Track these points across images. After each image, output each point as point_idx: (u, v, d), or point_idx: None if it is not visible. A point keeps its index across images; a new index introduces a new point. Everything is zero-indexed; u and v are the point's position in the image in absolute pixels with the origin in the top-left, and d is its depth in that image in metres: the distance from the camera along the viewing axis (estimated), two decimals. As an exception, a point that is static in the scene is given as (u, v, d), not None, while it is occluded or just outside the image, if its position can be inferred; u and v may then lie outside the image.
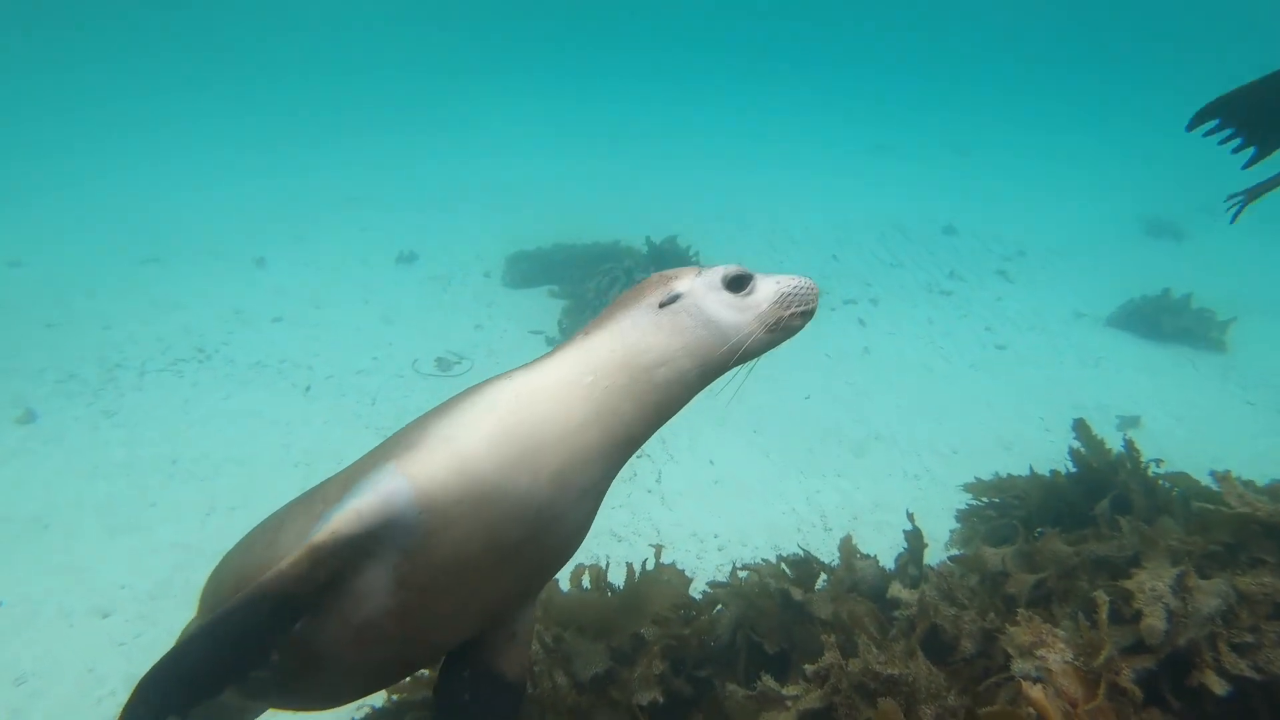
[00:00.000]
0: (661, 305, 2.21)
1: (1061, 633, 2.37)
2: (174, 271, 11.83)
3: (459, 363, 9.29)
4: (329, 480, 2.28)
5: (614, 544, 6.47)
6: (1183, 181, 20.00)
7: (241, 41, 40.44)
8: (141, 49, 35.94)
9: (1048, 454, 7.01)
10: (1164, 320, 10.76)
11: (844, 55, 51.02)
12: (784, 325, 2.27)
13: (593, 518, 2.23)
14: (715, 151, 23.76)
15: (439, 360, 9.29)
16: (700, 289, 2.21)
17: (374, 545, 1.98)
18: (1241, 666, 2.42)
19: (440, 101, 29.00)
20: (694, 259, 11.03)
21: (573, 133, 25.19)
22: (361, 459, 2.26)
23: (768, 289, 2.27)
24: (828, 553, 6.42)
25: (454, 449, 2.03)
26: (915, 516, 4.01)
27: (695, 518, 6.87)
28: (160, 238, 13.14)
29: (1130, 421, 8.29)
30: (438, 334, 10.08)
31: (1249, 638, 2.52)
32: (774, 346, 2.31)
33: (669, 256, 10.87)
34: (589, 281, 10.77)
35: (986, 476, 7.10)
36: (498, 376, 2.19)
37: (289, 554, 1.96)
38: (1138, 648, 2.42)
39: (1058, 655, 2.22)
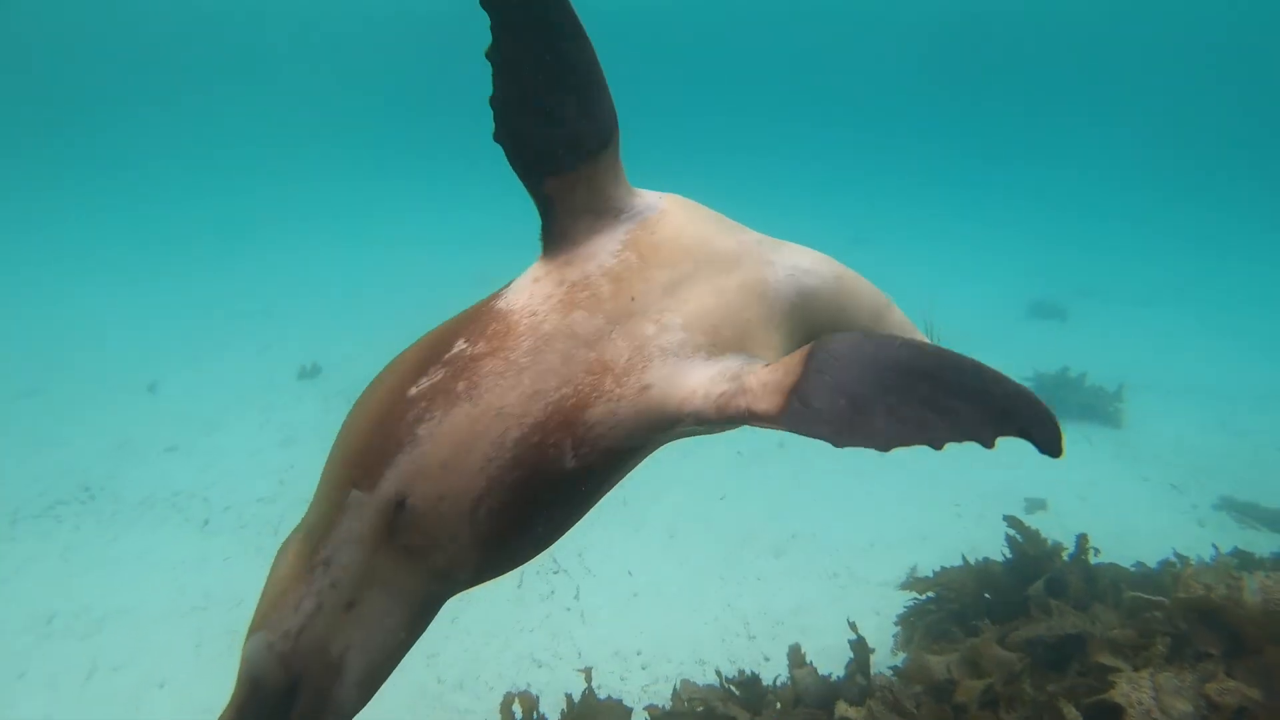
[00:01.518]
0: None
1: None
2: (55, 403, 11.14)
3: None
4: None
5: (534, 670, 6.24)
6: (1063, 264, 21.46)
7: (123, 153, 39.68)
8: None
9: (962, 542, 7.18)
10: (1067, 397, 11.24)
11: (738, 142, 53.29)
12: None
13: None
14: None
15: (345, 484, 8.95)
16: None
17: None
18: None
19: (343, 205, 28.79)
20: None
21: (476, 230, 25.34)
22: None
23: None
24: (751, 662, 6.36)
25: None
26: (857, 625, 4.01)
27: (616, 634, 6.69)
28: (41, 366, 12.42)
29: (1037, 504, 8.58)
30: (343, 456, 9.74)
31: None
32: None
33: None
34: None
35: (904, 569, 7.29)
36: None
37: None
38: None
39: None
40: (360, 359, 12.94)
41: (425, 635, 6.55)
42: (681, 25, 62.26)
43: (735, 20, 60.21)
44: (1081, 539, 4.94)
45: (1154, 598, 3.71)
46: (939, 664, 3.61)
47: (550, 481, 1.77)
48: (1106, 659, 3.20)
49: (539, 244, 2.10)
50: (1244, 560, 4.92)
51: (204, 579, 7.17)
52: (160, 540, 7.77)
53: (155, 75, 56.42)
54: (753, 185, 33.40)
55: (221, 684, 5.91)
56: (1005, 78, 63.65)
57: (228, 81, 57.06)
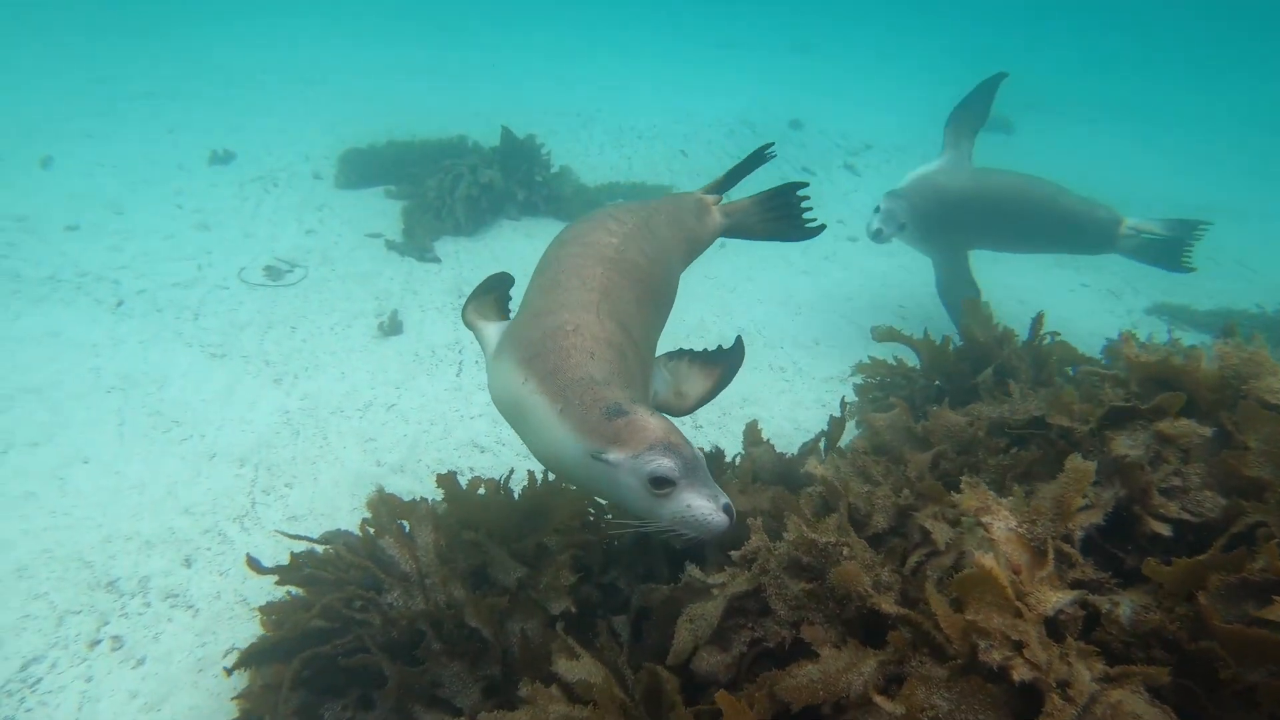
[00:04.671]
0: (594, 456, 2.49)
1: (1006, 500, 2.24)
2: (-64, 176, 10.09)
3: (290, 270, 8.45)
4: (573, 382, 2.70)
5: (477, 454, 6.10)
6: (1010, 79, 20.91)
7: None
8: None
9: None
10: (1010, 211, 11.14)
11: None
12: (671, 533, 2.44)
13: None
14: (555, 45, 22.73)
15: (268, 269, 8.41)
16: (625, 470, 2.45)
17: None
18: (1173, 509, 2.44)
19: None
20: (545, 155, 10.47)
21: (401, 18, 23.42)
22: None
23: (675, 506, 2.41)
24: (703, 446, 6.35)
25: None
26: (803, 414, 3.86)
27: (563, 420, 6.58)
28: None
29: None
30: (265, 240, 9.11)
31: (1176, 481, 2.54)
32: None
33: (517, 155, 10.24)
34: (429, 180, 10.00)
35: (849, 366, 7.23)
36: None
37: None
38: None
39: (1002, 522, 2.09)
40: (277, 147, 11.99)
41: (361, 421, 6.28)
42: None
43: None
44: (1037, 319, 4.87)
45: (1108, 371, 3.64)
46: (881, 421, 3.54)
47: None
48: (1066, 422, 3.11)
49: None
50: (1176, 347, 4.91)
51: (120, 361, 6.72)
52: (69, 321, 7.21)
53: None
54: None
55: (152, 460, 5.62)
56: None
57: None
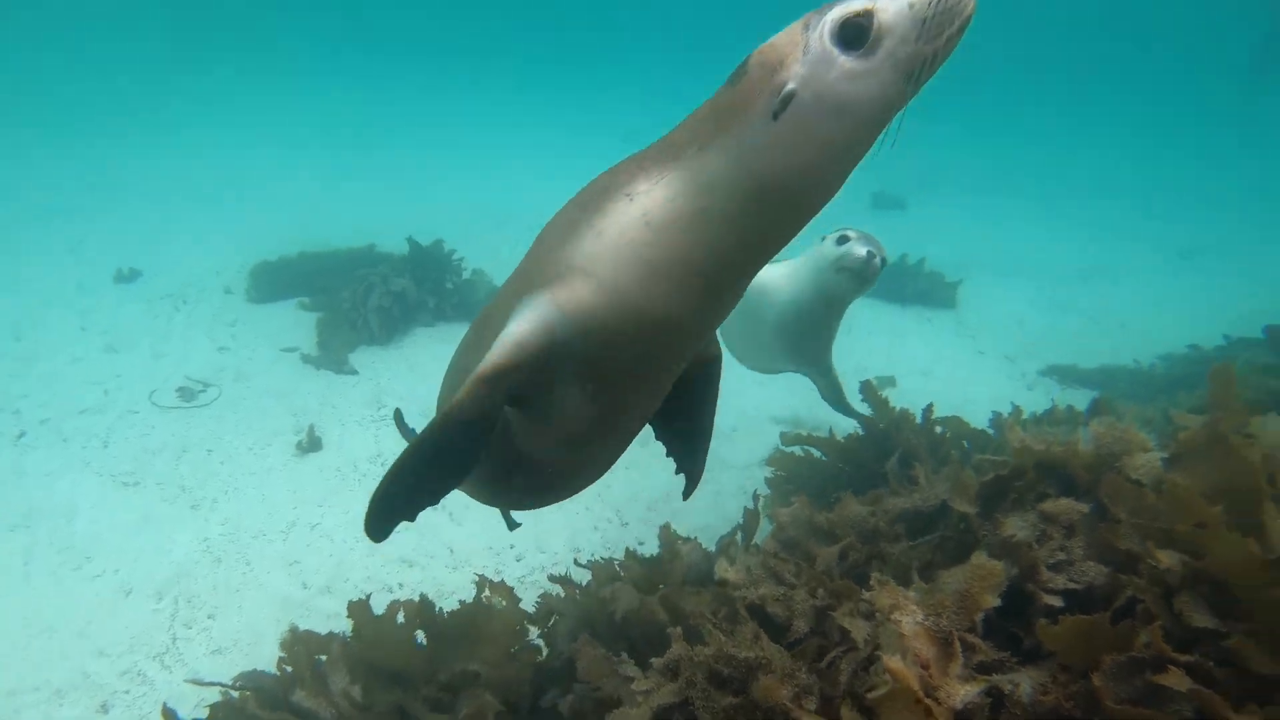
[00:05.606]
0: (776, 115, 1.83)
1: (913, 594, 2.41)
2: None
3: (204, 390, 8.32)
4: (495, 305, 2.43)
5: (405, 570, 6.05)
6: (902, 157, 22.23)
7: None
8: None
9: (821, 424, 7.42)
10: (905, 284, 11.83)
11: (593, 49, 51.77)
12: (937, 61, 1.77)
13: None
14: (464, 146, 23.20)
15: (180, 389, 8.26)
16: (817, 74, 1.79)
17: (537, 368, 2.16)
18: (1060, 581, 2.64)
19: (155, 98, 25.78)
20: (456, 261, 10.63)
21: (314, 124, 23.59)
22: (508, 284, 2.44)
23: (899, 23, 1.74)
24: (626, 547, 6.42)
25: (602, 283, 2.07)
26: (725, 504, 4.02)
27: (488, 530, 6.54)
28: None
29: (886, 381, 8.98)
30: (176, 360, 8.96)
31: (1062, 555, 2.76)
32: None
33: (428, 262, 10.39)
34: (343, 291, 10.05)
35: (769, 450, 7.46)
36: (609, 188, 2.16)
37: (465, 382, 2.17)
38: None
39: (910, 618, 2.25)
40: (187, 262, 11.86)
41: (284, 544, 6.14)
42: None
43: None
44: (928, 409, 5.15)
45: (998, 458, 3.92)
46: (785, 515, 3.70)
47: None
48: (965, 508, 3.35)
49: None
50: (1059, 415, 5.25)
51: (23, 496, 6.49)
52: (-35, 457, 6.95)
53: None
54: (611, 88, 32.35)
55: (62, 600, 5.40)
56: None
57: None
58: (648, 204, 2.03)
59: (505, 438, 2.49)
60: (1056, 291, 12.68)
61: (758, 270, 2.19)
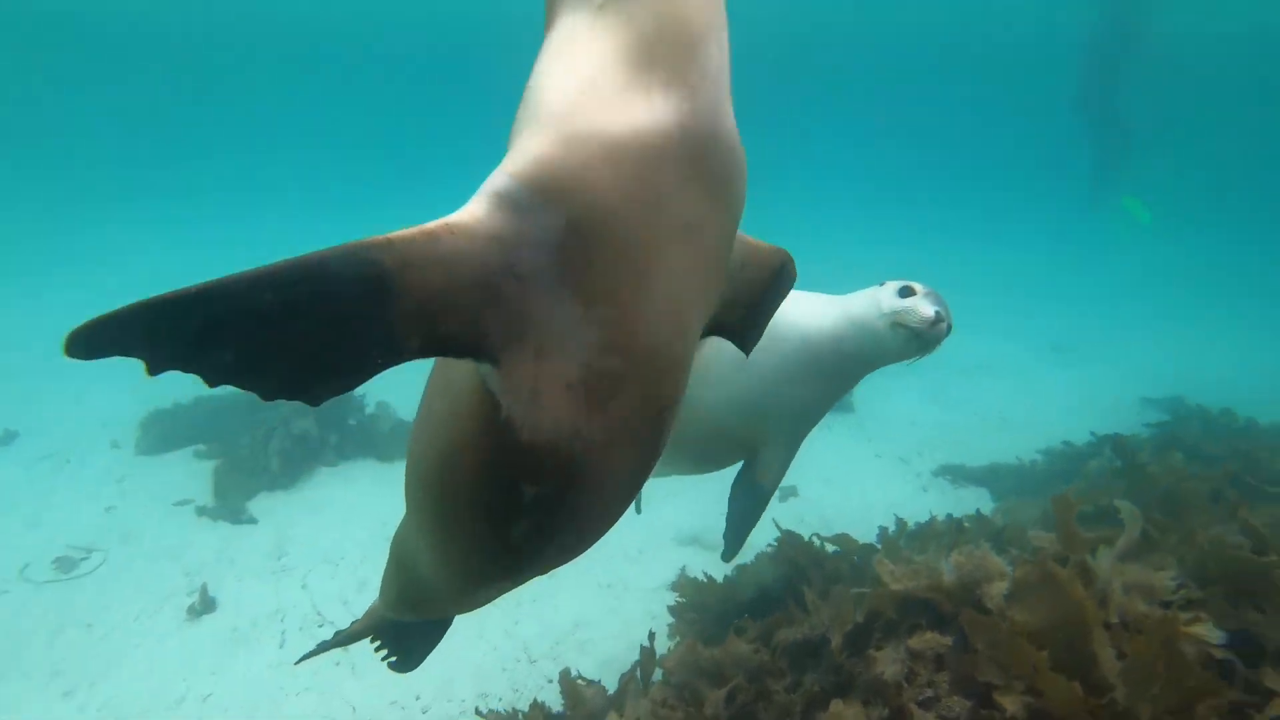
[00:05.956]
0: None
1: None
2: None
3: (86, 558, 7.91)
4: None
5: (305, 737, 5.80)
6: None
7: None
8: None
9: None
10: (802, 393, 12.21)
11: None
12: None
13: None
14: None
15: (58, 560, 7.81)
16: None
17: (497, 268, 1.51)
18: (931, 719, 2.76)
19: (39, 239, 24.70)
20: (360, 397, 10.58)
21: (204, 245, 23.27)
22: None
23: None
24: (535, 686, 6.31)
25: (560, 125, 1.58)
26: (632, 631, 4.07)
27: (391, 682, 6.27)
28: None
29: (789, 491, 9.21)
30: (55, 527, 8.49)
31: (929, 691, 2.89)
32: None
33: (332, 402, 10.27)
34: (243, 436, 9.83)
35: (676, 569, 7.52)
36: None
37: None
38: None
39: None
40: (70, 418, 11.36)
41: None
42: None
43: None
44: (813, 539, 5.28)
45: (876, 590, 4.10)
46: (668, 661, 3.77)
47: None
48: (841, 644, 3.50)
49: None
50: (938, 527, 5.47)
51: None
52: None
53: None
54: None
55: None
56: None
57: None
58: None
59: (493, 442, 1.68)
60: (944, 388, 13.27)
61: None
